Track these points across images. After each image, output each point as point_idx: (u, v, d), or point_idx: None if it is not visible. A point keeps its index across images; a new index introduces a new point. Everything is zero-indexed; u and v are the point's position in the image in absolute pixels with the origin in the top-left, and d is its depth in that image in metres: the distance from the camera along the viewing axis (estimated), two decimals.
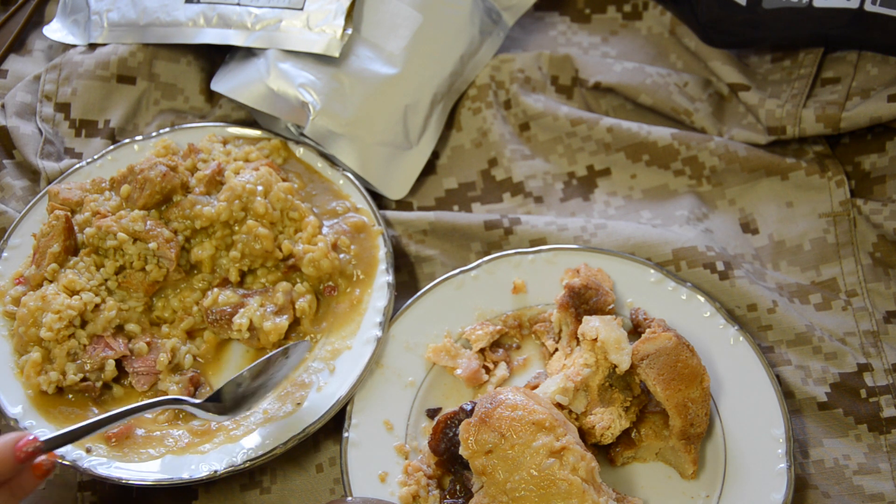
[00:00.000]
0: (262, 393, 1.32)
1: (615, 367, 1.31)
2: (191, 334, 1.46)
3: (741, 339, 1.39)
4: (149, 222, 1.44)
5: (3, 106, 1.67)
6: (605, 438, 1.30)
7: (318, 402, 1.36)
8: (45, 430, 1.34)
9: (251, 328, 1.41)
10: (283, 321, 1.41)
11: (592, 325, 1.33)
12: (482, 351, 1.43)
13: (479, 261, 1.49)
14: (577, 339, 1.36)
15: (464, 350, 1.43)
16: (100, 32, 1.71)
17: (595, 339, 1.31)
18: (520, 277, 1.48)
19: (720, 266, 1.48)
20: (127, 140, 1.63)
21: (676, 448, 1.29)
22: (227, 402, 1.30)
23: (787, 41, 1.66)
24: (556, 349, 1.41)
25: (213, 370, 1.43)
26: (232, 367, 1.44)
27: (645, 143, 1.64)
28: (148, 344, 1.42)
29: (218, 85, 1.65)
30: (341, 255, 1.48)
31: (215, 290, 1.44)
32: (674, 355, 1.29)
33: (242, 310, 1.41)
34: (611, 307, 1.40)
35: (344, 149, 1.58)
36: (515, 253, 1.49)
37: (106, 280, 1.44)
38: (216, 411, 1.29)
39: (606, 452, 1.34)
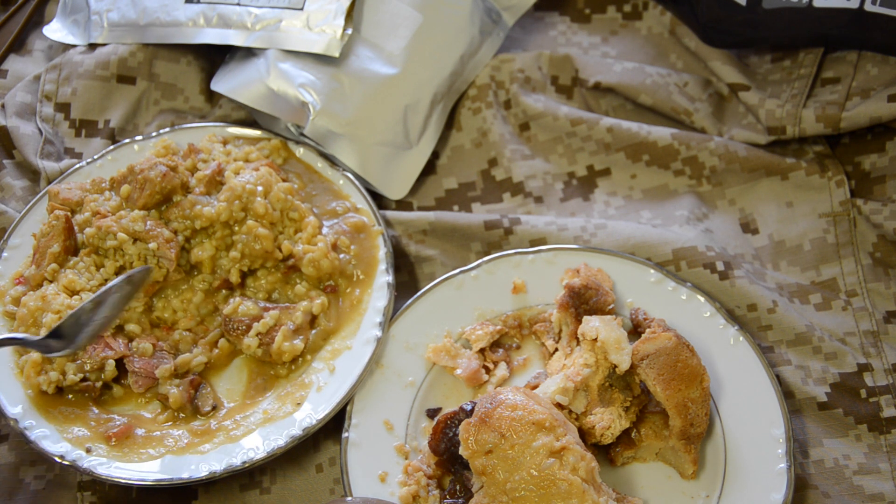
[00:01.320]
0: (105, 322, 1.31)
1: (615, 367, 1.30)
2: (191, 330, 1.46)
3: (741, 339, 1.39)
4: (149, 222, 1.44)
5: (3, 106, 1.67)
6: (605, 438, 1.30)
7: (318, 402, 1.36)
8: (45, 430, 1.34)
9: (263, 343, 1.41)
10: (299, 343, 1.41)
11: (592, 325, 1.33)
12: (482, 351, 1.43)
13: (479, 261, 1.49)
14: (577, 339, 1.36)
15: (464, 350, 1.43)
16: (100, 32, 1.71)
17: (595, 339, 1.31)
18: (520, 277, 1.48)
19: (720, 266, 1.48)
20: (127, 140, 1.63)
21: (676, 448, 1.29)
22: (69, 336, 1.29)
23: (787, 41, 1.66)
24: (556, 349, 1.41)
25: (214, 371, 1.43)
26: (233, 368, 1.43)
27: (645, 143, 1.64)
28: (154, 346, 1.41)
29: (218, 85, 1.65)
30: (341, 255, 1.48)
31: (237, 298, 1.43)
32: (674, 355, 1.29)
33: (257, 324, 1.41)
34: (611, 307, 1.40)
35: (344, 149, 1.58)
36: (515, 253, 1.49)
37: (106, 280, 1.44)
38: (59, 347, 1.29)
39: (606, 452, 1.34)
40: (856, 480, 1.33)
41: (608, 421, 1.29)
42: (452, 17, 1.67)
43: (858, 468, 1.34)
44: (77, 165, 1.59)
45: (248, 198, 1.45)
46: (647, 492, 1.32)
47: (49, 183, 1.58)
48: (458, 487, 1.30)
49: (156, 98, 1.71)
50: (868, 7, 1.52)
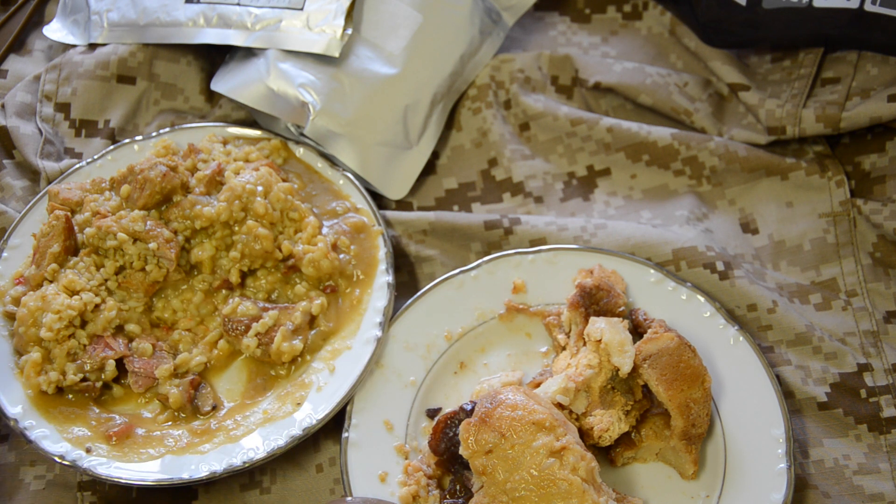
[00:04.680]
0: None
1: (618, 369, 1.30)
2: (191, 330, 1.46)
3: (741, 339, 1.39)
4: (149, 222, 1.44)
5: (3, 106, 1.67)
6: (603, 441, 1.29)
7: (318, 402, 1.36)
8: (45, 430, 1.34)
9: (262, 343, 1.41)
10: (298, 343, 1.41)
11: (598, 326, 1.33)
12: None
13: (479, 261, 1.49)
14: (585, 339, 1.36)
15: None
16: (100, 32, 1.71)
17: (599, 341, 1.31)
18: (520, 277, 1.48)
19: (720, 266, 1.48)
20: (127, 140, 1.63)
21: (677, 448, 1.29)
22: None
23: (787, 41, 1.66)
24: (568, 343, 1.41)
25: (214, 372, 1.43)
26: (233, 369, 1.43)
27: (645, 143, 1.64)
28: (153, 346, 1.41)
29: (218, 85, 1.65)
30: (341, 256, 1.48)
31: (236, 299, 1.44)
32: (676, 356, 1.29)
33: (256, 324, 1.41)
34: (621, 309, 1.40)
35: (344, 149, 1.58)
36: (515, 253, 1.49)
37: (106, 280, 1.44)
38: None
39: (607, 452, 1.34)
40: (856, 480, 1.34)
41: (607, 423, 1.29)
42: (452, 17, 1.67)
43: (858, 468, 1.34)
44: (77, 165, 1.59)
45: (248, 198, 1.45)
46: (647, 492, 1.32)
47: (49, 183, 1.58)
48: (458, 487, 1.30)
49: (156, 98, 1.71)
50: (868, 7, 1.52)
